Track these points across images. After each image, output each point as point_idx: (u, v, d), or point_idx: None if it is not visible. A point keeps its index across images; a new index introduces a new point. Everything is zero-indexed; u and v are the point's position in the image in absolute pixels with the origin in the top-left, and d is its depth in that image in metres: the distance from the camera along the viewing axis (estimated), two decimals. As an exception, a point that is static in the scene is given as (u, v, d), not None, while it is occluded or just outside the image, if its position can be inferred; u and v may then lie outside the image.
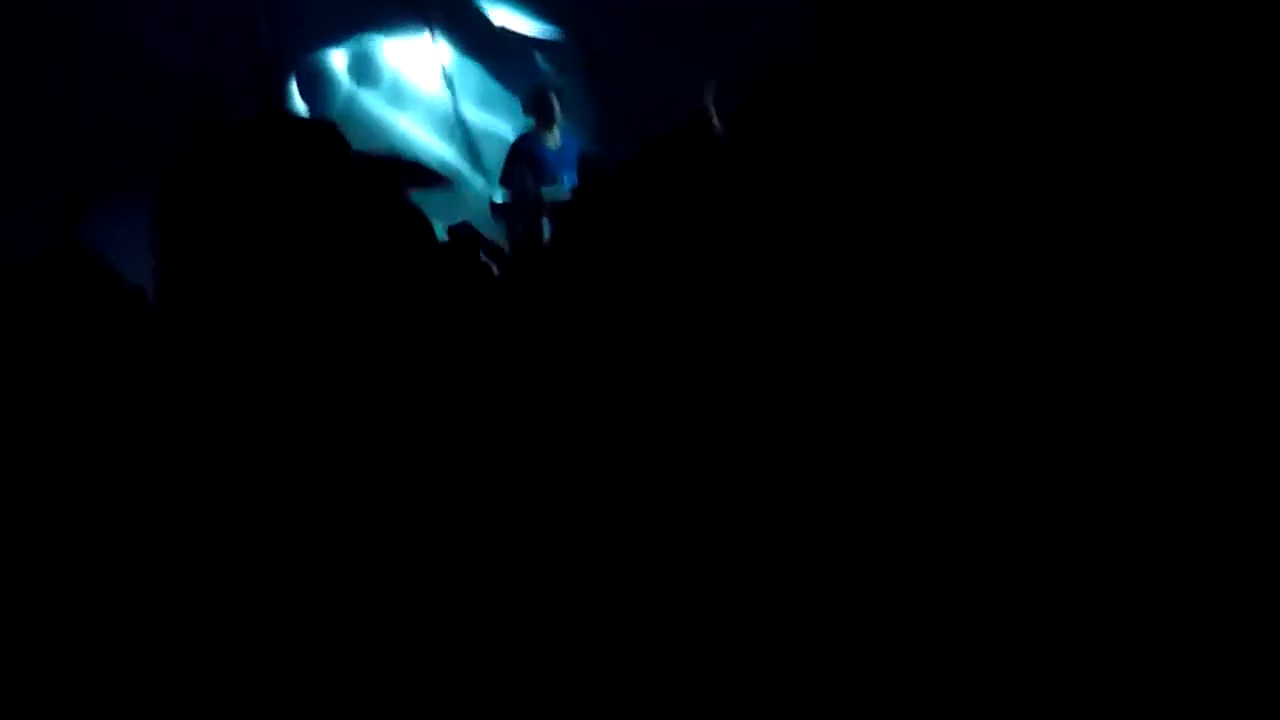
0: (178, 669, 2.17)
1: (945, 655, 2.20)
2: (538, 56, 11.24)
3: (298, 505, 2.16)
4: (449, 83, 11.27)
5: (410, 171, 10.40)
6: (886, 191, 2.37)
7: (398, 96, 11.19)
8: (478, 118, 11.29)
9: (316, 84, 11.07)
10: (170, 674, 2.17)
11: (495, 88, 11.27)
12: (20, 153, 9.74)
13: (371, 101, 11.11)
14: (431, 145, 11.10)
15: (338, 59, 11.18)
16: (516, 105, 10.37)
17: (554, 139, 9.54)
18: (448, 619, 2.15)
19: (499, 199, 9.63)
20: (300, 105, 10.90)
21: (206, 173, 2.21)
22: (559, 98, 9.67)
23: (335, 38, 11.11)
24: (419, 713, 2.11)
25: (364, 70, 11.21)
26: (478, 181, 11.04)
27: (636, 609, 2.21)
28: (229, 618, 2.17)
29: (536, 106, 9.62)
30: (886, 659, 2.21)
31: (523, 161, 9.51)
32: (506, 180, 9.59)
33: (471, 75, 11.35)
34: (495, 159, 10.37)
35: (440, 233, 3.12)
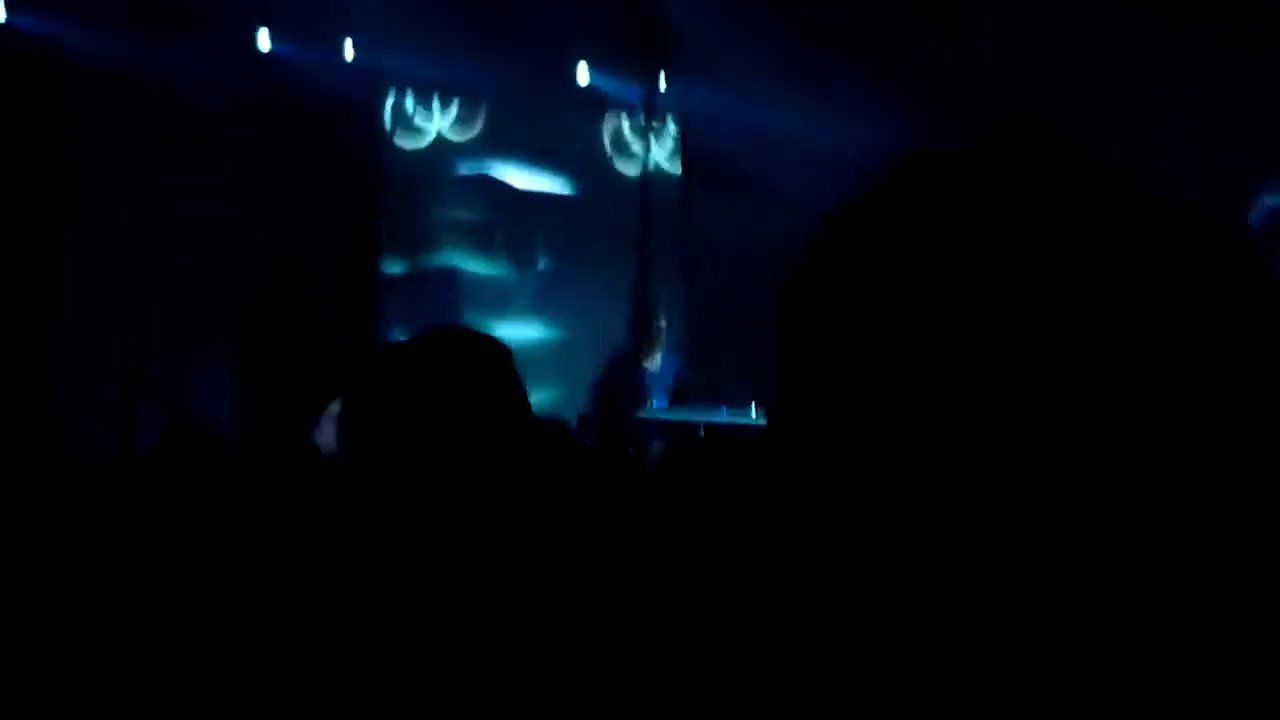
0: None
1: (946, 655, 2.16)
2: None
3: None
4: None
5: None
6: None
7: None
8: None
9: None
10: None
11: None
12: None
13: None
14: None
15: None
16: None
17: (654, 362, 9.12)
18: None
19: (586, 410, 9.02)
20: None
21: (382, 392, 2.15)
22: (664, 325, 9.28)
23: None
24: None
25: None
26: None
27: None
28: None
29: (640, 328, 9.22)
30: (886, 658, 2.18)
31: (619, 382, 9.05)
32: (596, 395, 9.07)
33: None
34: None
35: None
